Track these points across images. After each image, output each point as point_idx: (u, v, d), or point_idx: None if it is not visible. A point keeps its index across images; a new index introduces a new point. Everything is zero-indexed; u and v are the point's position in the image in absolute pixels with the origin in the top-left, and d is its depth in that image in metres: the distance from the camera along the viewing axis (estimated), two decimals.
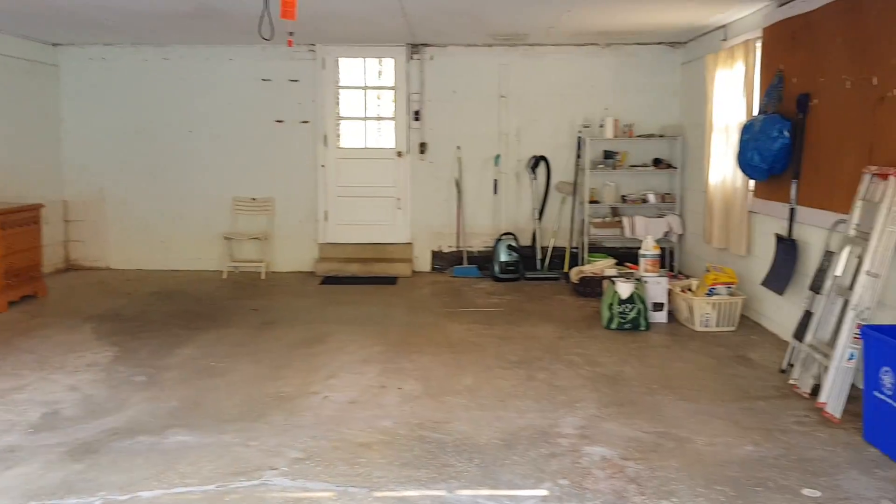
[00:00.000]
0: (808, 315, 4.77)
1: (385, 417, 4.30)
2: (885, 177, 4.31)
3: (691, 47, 8.38)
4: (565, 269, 8.58)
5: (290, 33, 5.64)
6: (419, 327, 6.38)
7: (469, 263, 8.89)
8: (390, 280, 8.45)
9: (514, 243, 8.58)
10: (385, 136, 9.06)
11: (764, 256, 6.11)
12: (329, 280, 8.46)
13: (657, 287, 6.48)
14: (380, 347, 5.73)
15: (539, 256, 8.80)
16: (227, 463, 3.69)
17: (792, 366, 4.85)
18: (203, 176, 8.92)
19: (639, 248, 6.79)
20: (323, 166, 8.91)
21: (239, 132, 8.87)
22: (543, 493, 3.39)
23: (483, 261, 8.86)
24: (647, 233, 7.82)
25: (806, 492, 3.38)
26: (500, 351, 5.65)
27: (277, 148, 8.88)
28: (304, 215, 8.98)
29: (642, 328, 6.22)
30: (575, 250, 8.77)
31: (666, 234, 8.39)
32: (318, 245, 8.99)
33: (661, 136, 8.63)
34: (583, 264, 8.29)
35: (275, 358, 5.46)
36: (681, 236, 8.48)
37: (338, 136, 9.00)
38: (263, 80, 8.80)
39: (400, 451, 3.84)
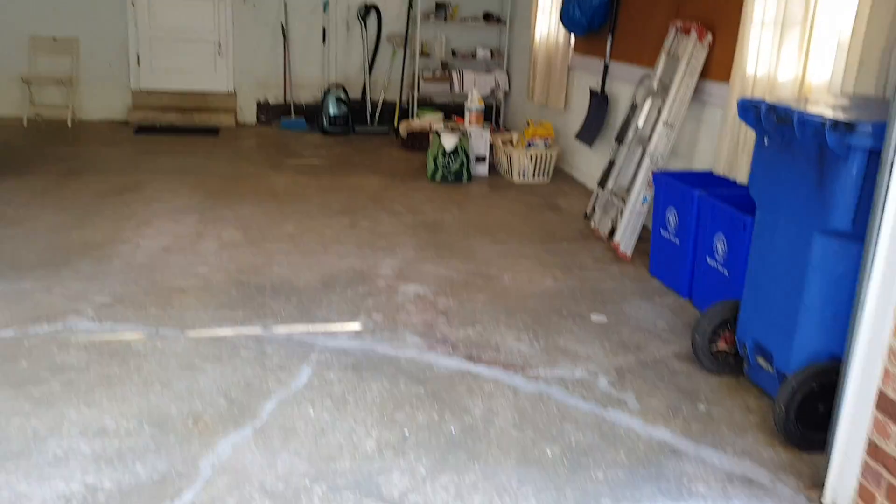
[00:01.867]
0: (611, 164, 5.10)
1: (201, 264, 4.23)
2: (687, 31, 4.56)
3: None
4: (395, 124, 8.55)
5: None
6: (242, 178, 6.21)
7: (297, 116, 8.65)
8: (212, 131, 8.08)
9: (343, 96, 8.40)
10: None
11: (580, 111, 6.38)
12: (144, 130, 7.96)
13: (480, 140, 6.64)
14: (198, 197, 5.54)
15: (369, 110, 8.70)
16: (25, 309, 3.52)
17: (594, 211, 5.21)
18: None
19: None
20: (133, 5, 8.15)
21: None
22: (357, 326, 3.53)
23: (311, 113, 8.64)
24: (474, 87, 7.90)
25: (594, 317, 3.74)
26: (324, 201, 5.64)
27: None
28: (114, 59, 8.26)
29: (465, 180, 6.41)
30: (405, 105, 8.73)
31: (493, 90, 8.51)
32: (131, 92, 8.35)
33: None
34: (412, 118, 8.30)
35: (81, 207, 5.14)
36: (507, 93, 8.65)
37: None
38: None
39: (215, 294, 3.82)
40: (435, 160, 6.37)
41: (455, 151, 6.34)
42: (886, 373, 2.13)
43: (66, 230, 4.65)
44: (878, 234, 2.12)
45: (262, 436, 2.63)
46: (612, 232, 4.79)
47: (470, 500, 2.35)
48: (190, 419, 2.71)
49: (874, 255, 2.14)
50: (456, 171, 6.36)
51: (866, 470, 2.23)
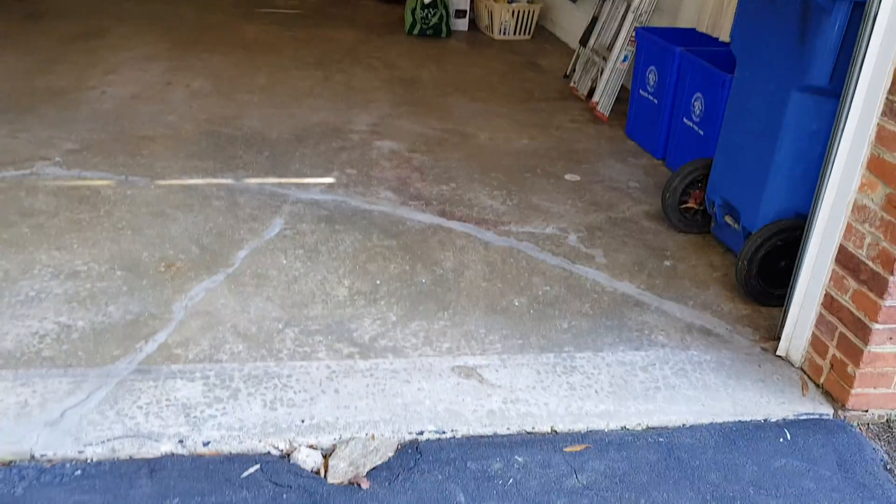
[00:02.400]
0: (594, 21, 4.95)
1: (170, 113, 4.12)
2: None
3: None
4: None
5: None
6: (211, 27, 5.96)
7: None
8: None
9: None
10: None
11: None
12: None
13: None
14: (166, 45, 5.34)
15: None
16: None
17: (574, 70, 5.11)
18: None
19: None
20: None
21: None
22: (330, 180, 3.51)
23: None
24: None
25: (567, 177, 3.74)
26: (297, 53, 5.46)
27: None
28: None
29: (444, 35, 6.21)
30: None
31: None
32: None
33: None
34: None
35: (45, 52, 4.94)
36: None
37: None
38: None
39: (185, 144, 3.75)
40: (413, 13, 6.14)
41: (434, 4, 6.11)
42: (849, 228, 2.18)
43: (30, 76, 4.49)
44: (854, 90, 2.10)
45: (234, 282, 2.66)
46: (592, 92, 4.71)
47: (438, 346, 2.42)
48: (162, 264, 2.72)
49: (848, 110, 2.13)
50: (434, 24, 6.15)
51: (821, 321, 2.32)
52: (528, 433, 2.09)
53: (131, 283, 2.59)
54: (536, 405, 2.17)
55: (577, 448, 2.03)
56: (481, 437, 2.06)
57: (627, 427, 2.14)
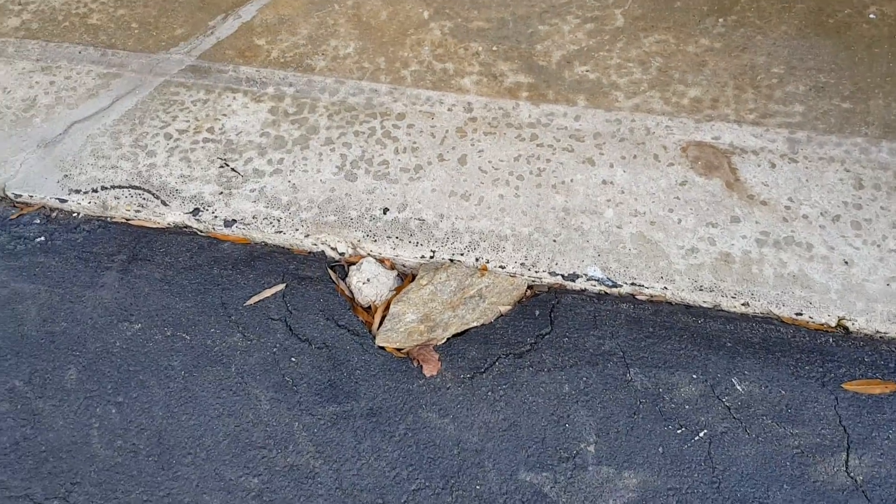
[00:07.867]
0: None
1: None
2: None
3: None
4: None
5: None
6: None
7: None
8: None
9: None
10: None
11: None
12: None
13: None
14: None
15: None
16: None
17: None
18: None
19: None
20: None
21: None
22: None
23: None
24: None
25: None
26: None
27: None
28: None
29: None
30: None
31: None
32: None
33: None
34: None
35: None
36: None
37: None
38: None
39: None
40: None
41: None
42: None
43: None
44: None
45: None
46: None
47: (679, 91, 1.39)
48: None
49: None
50: None
51: None
52: (785, 321, 1.06)
53: None
54: (824, 259, 1.10)
55: (877, 388, 0.99)
56: (687, 308, 1.09)
57: None
